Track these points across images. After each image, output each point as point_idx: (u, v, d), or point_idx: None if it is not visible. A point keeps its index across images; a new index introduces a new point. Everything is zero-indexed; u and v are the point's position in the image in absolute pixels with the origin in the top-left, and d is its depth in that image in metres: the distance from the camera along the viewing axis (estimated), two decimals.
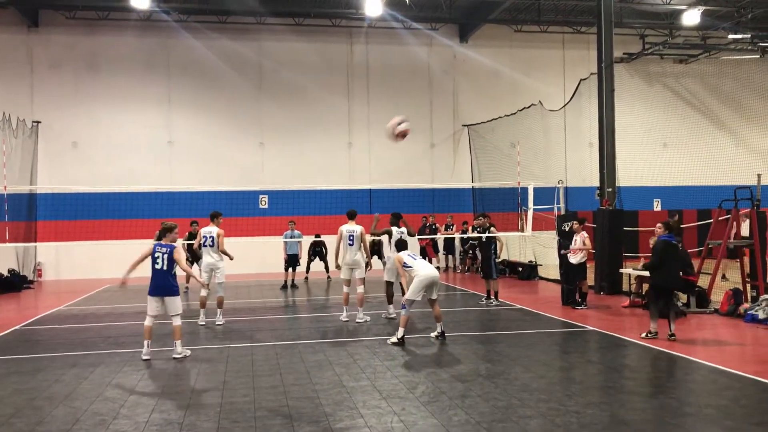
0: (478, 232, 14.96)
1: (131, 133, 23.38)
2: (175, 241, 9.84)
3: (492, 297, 14.65)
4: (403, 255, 10.88)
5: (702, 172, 20.74)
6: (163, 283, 9.60)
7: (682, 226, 19.35)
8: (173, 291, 9.63)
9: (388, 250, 12.79)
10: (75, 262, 22.37)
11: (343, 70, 24.94)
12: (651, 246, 11.92)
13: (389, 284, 12.88)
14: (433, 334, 10.76)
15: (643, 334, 10.53)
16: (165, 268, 9.56)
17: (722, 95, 24.73)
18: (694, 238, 21.28)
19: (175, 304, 9.63)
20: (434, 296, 10.68)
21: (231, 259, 12.83)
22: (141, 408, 7.11)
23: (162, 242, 9.78)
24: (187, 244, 17.32)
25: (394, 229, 12.71)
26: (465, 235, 18.73)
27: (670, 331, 10.36)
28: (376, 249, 18.88)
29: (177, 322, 9.67)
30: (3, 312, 15.14)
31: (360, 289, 12.62)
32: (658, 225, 10.94)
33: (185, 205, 20.99)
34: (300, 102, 24.47)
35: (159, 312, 9.66)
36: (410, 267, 10.63)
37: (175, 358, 9.54)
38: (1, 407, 7.25)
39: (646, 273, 13.40)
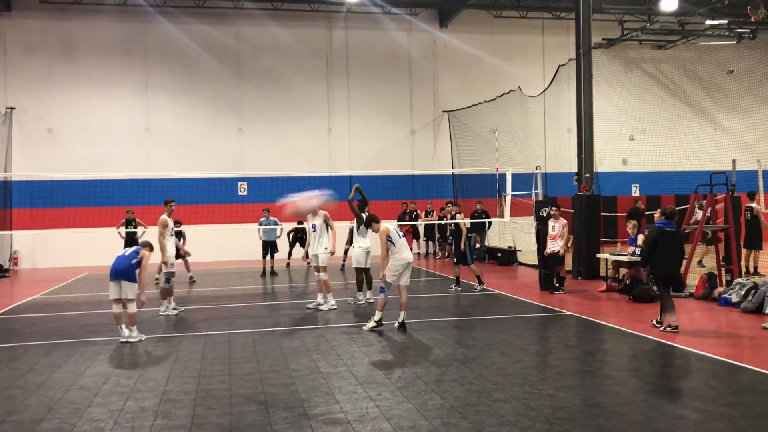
0: (449, 220, 15.07)
1: (108, 120, 23.06)
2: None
3: (473, 284, 14.68)
4: (391, 228, 10.40)
5: (680, 157, 20.93)
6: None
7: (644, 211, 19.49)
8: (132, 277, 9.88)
9: (358, 237, 12.80)
10: (51, 251, 22.07)
11: (323, 56, 24.77)
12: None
13: (358, 270, 12.92)
14: (395, 324, 10.37)
15: (662, 328, 9.90)
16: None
17: (700, 81, 24.92)
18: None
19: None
20: (406, 282, 10.41)
21: (164, 261, 12.12)
22: (116, 396, 7.07)
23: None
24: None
25: (364, 215, 12.71)
26: (442, 221, 18.81)
27: (659, 318, 10.01)
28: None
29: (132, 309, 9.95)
30: None
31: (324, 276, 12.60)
32: (657, 213, 10.66)
33: (163, 191, 20.68)
34: (279, 88, 24.28)
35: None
36: (393, 244, 10.23)
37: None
38: None
39: (623, 258, 13.63)
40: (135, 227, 17.94)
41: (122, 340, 9.76)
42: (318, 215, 12.61)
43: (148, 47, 23.48)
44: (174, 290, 12.62)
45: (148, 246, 10.19)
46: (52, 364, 8.55)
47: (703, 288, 12.78)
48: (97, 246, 20.15)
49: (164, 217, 12.27)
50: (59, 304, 14.06)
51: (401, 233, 10.59)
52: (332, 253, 12.74)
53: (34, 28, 22.73)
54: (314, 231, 12.60)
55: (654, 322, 10.17)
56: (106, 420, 6.29)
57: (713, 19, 22.58)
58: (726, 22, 22.33)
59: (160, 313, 12.11)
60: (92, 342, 9.90)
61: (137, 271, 9.82)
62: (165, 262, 12.11)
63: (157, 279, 16.21)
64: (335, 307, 12.39)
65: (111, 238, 18.49)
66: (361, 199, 12.85)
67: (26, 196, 21.94)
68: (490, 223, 20.42)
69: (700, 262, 16.27)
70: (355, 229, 13.00)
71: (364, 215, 12.66)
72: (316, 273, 12.72)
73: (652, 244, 10.07)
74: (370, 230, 10.94)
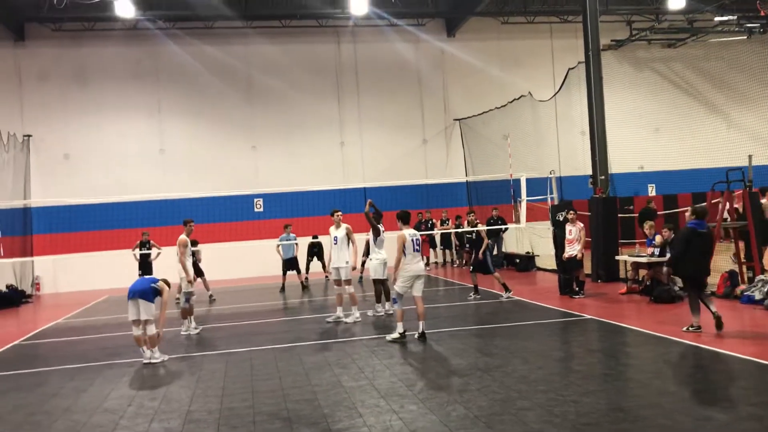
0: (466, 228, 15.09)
1: (123, 143, 23.35)
2: None
3: (498, 293, 14.63)
4: (409, 239, 10.28)
5: (695, 155, 20.76)
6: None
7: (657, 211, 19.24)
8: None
9: (375, 249, 12.81)
10: (72, 275, 22.28)
11: (332, 70, 24.92)
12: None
13: (377, 282, 12.92)
14: (415, 335, 10.34)
15: (684, 328, 9.80)
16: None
17: (712, 78, 24.73)
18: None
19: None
20: (419, 293, 10.43)
21: (189, 280, 12.10)
22: (140, 418, 7.11)
23: None
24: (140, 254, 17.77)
25: (381, 227, 12.78)
26: (460, 230, 18.81)
27: (715, 313, 9.55)
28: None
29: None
30: (2, 328, 15.10)
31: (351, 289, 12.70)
32: (688, 211, 10.30)
33: (180, 212, 20.89)
34: (290, 103, 24.44)
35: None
36: (404, 255, 10.20)
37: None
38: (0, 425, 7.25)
39: (642, 259, 13.51)
40: (149, 249, 18.04)
41: (145, 361, 9.83)
42: (340, 228, 12.66)
43: (160, 70, 23.76)
44: (194, 309, 12.70)
45: (167, 283, 10.21)
46: (76, 388, 8.63)
47: (724, 286, 12.63)
48: (117, 268, 20.34)
49: (183, 237, 12.30)
50: (81, 328, 14.18)
51: (418, 246, 10.45)
52: (354, 267, 12.79)
53: (48, 56, 23.10)
54: (335, 244, 12.65)
55: (696, 329, 9.68)
56: None
57: (722, 16, 22.47)
58: (735, 17, 22.22)
59: (182, 333, 12.17)
60: (115, 364, 9.97)
61: (158, 306, 9.88)
62: (191, 281, 12.18)
63: (178, 299, 16.29)
64: (359, 319, 12.41)
65: (130, 260, 18.66)
66: (374, 211, 12.89)
67: (45, 221, 22.23)
68: (506, 228, 20.39)
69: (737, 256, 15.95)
70: (371, 241, 13.00)
71: (380, 227, 12.72)
72: (335, 286, 12.75)
73: (684, 245, 9.75)
74: (390, 230, 10.91)
